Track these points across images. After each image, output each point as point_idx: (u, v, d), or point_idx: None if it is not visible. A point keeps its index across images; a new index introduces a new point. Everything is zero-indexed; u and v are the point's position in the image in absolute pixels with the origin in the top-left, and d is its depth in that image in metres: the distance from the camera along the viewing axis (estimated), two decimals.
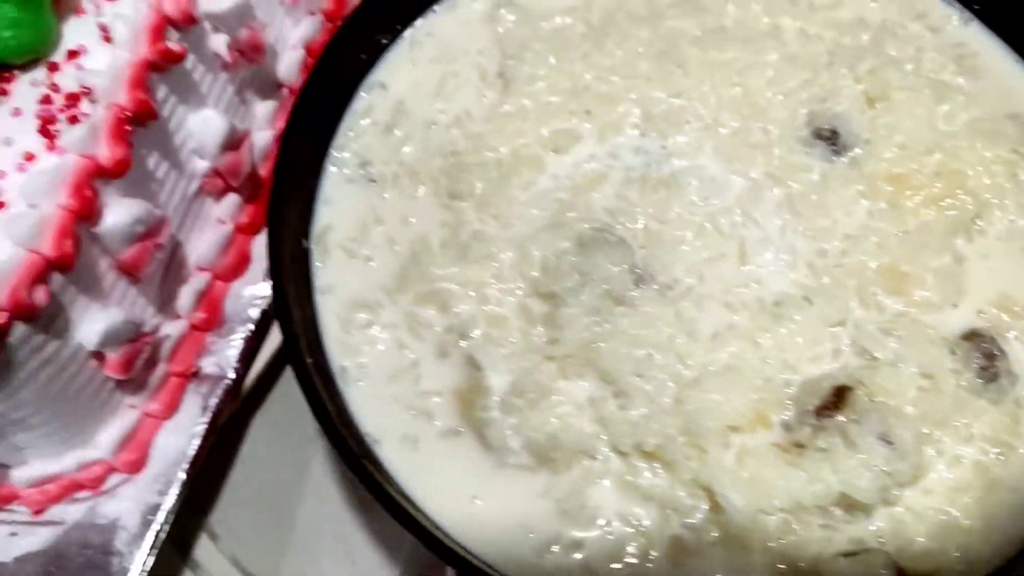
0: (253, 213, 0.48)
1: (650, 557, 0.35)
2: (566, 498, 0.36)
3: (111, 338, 0.38)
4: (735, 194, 0.41)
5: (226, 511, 0.47)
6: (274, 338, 0.47)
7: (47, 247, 0.35)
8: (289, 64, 0.50)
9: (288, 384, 0.49)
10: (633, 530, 0.35)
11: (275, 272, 0.37)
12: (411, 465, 0.37)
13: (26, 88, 0.39)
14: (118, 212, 0.38)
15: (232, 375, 0.45)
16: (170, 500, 0.42)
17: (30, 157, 0.37)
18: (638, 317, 0.37)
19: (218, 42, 0.44)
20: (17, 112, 0.38)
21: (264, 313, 0.47)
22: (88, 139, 0.37)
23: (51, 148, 0.38)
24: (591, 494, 0.36)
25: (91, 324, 0.38)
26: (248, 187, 0.48)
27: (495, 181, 0.40)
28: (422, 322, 0.38)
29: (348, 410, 0.38)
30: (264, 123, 0.49)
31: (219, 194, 0.46)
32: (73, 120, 0.37)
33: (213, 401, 0.44)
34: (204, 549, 0.46)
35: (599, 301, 0.37)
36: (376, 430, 0.37)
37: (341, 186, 0.42)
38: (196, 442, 0.43)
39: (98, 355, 0.39)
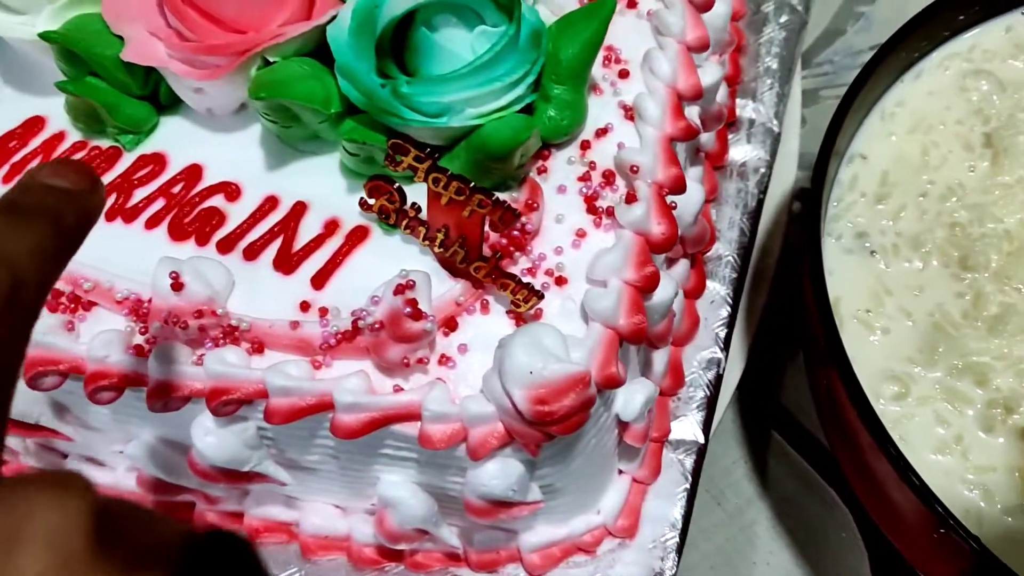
0: (696, 277, 0.49)
1: None
2: None
3: (645, 408, 0.39)
4: None
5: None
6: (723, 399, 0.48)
7: (622, 322, 0.36)
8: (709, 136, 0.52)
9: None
10: None
11: (827, 339, 0.38)
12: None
13: (563, 165, 0.40)
14: (666, 286, 0.39)
15: (703, 439, 0.46)
16: (670, 566, 0.42)
17: (582, 234, 0.39)
18: None
19: (692, 113, 0.45)
20: (561, 189, 0.40)
21: (718, 376, 0.48)
22: (642, 216, 0.38)
23: (598, 225, 0.39)
24: None
25: (633, 395, 0.39)
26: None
27: (1010, 253, 0.40)
28: (960, 396, 0.38)
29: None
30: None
31: (672, 262, 0.48)
32: (630, 199, 0.38)
33: (689, 464, 0.45)
34: None
35: None
36: None
37: (840, 257, 0.42)
38: (681, 507, 0.44)
39: (623, 424, 0.40)
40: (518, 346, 0.34)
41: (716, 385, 0.48)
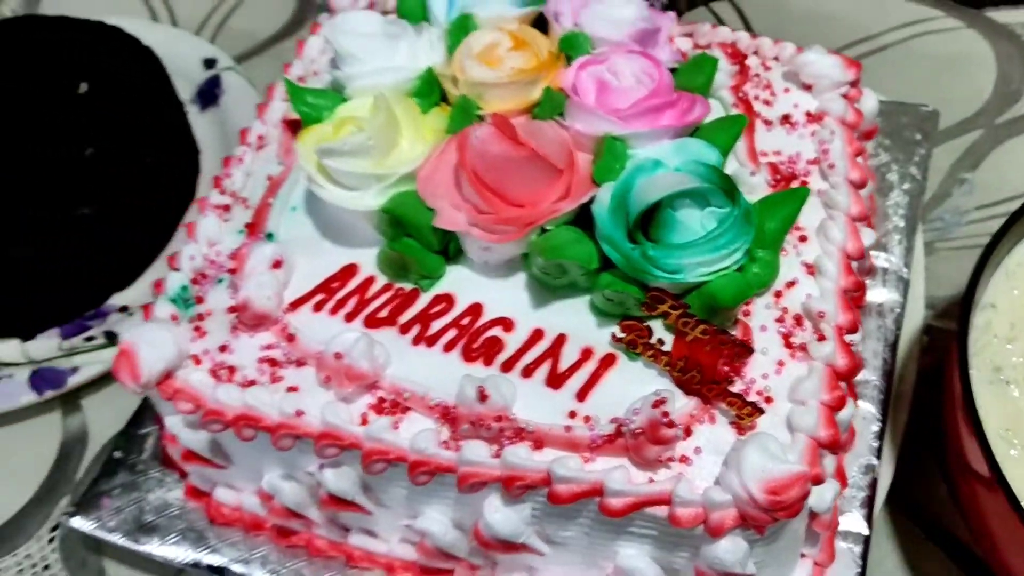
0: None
1: None
2: None
3: (832, 502, 0.50)
4: None
5: None
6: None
7: (822, 433, 0.47)
8: None
9: None
10: None
11: (980, 454, 0.48)
12: None
13: (763, 310, 0.52)
14: (849, 405, 0.50)
15: (867, 531, 0.56)
16: None
17: (781, 363, 0.50)
18: None
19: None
20: (763, 328, 0.52)
21: (874, 480, 0.58)
22: (830, 352, 0.50)
23: (793, 356, 0.51)
24: None
25: (824, 491, 0.49)
26: None
27: None
28: None
29: None
30: None
31: None
32: (821, 338, 0.50)
33: (858, 551, 0.55)
34: None
35: None
36: None
37: (981, 387, 0.53)
38: None
39: (813, 514, 0.51)
40: (753, 450, 0.45)
41: (873, 487, 0.58)
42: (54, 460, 0.69)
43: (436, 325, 0.53)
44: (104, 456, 0.66)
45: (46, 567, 0.64)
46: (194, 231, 0.58)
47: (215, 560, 0.58)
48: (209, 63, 0.89)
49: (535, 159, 0.51)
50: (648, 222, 0.51)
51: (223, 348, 0.53)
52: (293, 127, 0.62)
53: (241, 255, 0.55)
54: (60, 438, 0.70)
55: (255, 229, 0.58)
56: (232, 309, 0.54)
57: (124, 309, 0.75)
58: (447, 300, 0.54)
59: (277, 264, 0.54)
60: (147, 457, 0.62)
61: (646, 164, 0.51)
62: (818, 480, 0.46)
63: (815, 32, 0.89)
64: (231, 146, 0.84)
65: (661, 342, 0.49)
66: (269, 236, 0.57)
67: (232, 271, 0.54)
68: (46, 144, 0.74)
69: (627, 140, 0.53)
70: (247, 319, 0.53)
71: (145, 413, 0.65)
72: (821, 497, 0.49)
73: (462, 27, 0.60)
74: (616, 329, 0.51)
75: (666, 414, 0.46)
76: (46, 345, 0.73)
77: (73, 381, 0.69)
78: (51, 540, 0.65)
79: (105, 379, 0.71)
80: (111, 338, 0.72)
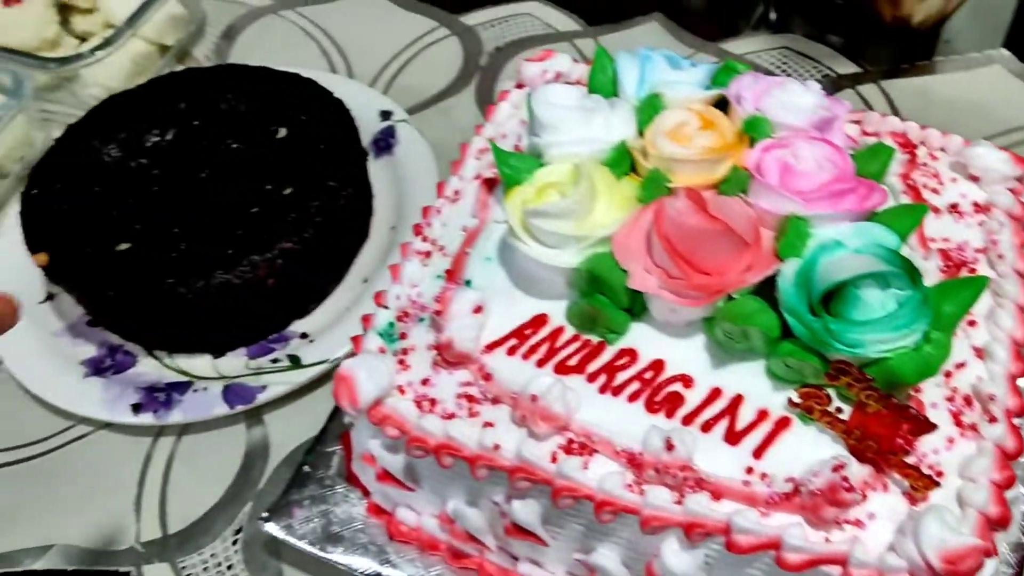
0: None
1: None
2: None
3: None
4: None
5: None
6: None
7: (992, 510, 0.50)
8: None
9: None
10: None
11: None
12: None
13: (933, 388, 0.55)
14: (1017, 485, 0.53)
15: None
16: None
17: (951, 440, 0.54)
18: None
19: None
20: (934, 405, 0.55)
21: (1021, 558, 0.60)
22: (1001, 434, 0.53)
23: (963, 435, 0.54)
24: None
25: (989, 563, 0.52)
26: None
27: None
28: None
29: None
30: None
31: None
32: (992, 420, 0.53)
33: None
34: None
35: None
36: None
37: None
38: None
39: None
40: (931, 520, 0.48)
41: (1020, 564, 0.60)
42: (239, 468, 0.76)
43: (621, 377, 0.58)
44: (290, 468, 0.73)
45: (229, 567, 0.71)
46: (399, 273, 0.65)
47: (394, 573, 0.63)
48: (385, 115, 0.97)
49: (727, 233, 0.56)
50: (829, 297, 0.55)
51: (425, 382, 0.59)
52: (489, 185, 0.68)
53: (445, 299, 0.61)
54: (244, 448, 0.77)
55: (454, 275, 0.64)
56: (434, 347, 0.60)
57: (304, 336, 0.82)
58: (631, 354, 0.59)
59: (478, 309, 0.60)
60: (333, 473, 0.69)
61: (828, 244, 0.55)
62: (989, 554, 0.49)
63: (960, 119, 0.92)
64: (401, 192, 0.92)
65: (839, 410, 0.53)
66: (467, 283, 0.63)
67: (437, 313, 0.60)
68: (252, 181, 0.83)
69: (810, 220, 0.57)
70: (449, 357, 0.59)
71: (329, 433, 0.71)
72: (983, 572, 0.52)
73: (652, 105, 0.66)
74: (793, 394, 0.54)
75: (846, 478, 0.49)
76: (234, 363, 0.81)
77: (261, 398, 0.76)
78: (234, 542, 0.72)
79: (286, 397, 0.78)
80: (295, 361, 0.79)
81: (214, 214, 0.80)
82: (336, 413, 0.72)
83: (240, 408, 0.76)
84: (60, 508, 0.75)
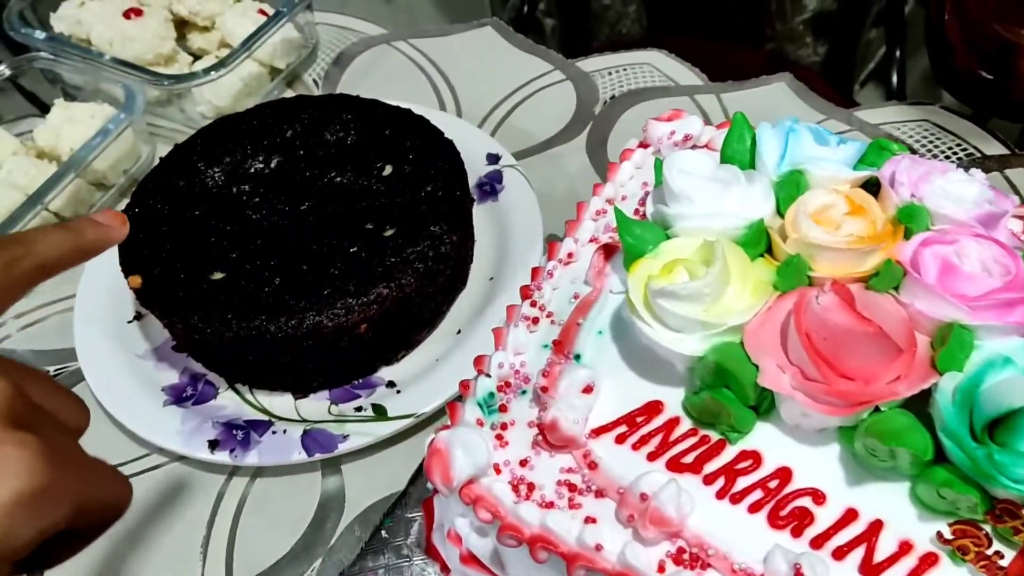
0: None
1: None
2: None
3: None
4: None
5: None
6: None
7: None
8: None
9: None
10: None
11: None
12: None
13: None
14: None
15: None
16: None
17: None
18: None
19: None
20: None
21: None
22: None
23: None
24: None
25: None
26: None
27: None
28: None
29: None
30: None
31: None
32: None
33: None
34: None
35: None
36: None
37: None
38: None
39: None
40: None
41: None
42: (311, 519, 0.72)
43: (742, 482, 0.52)
44: (364, 526, 0.69)
45: None
46: (503, 339, 0.60)
47: None
48: (492, 158, 0.94)
49: (878, 336, 0.50)
50: (994, 423, 0.48)
51: (523, 462, 0.54)
52: (607, 251, 0.64)
53: (553, 374, 0.56)
54: (319, 498, 0.73)
55: (562, 347, 0.59)
56: (537, 425, 0.56)
57: (391, 384, 0.78)
58: (754, 458, 0.53)
59: (588, 389, 0.55)
60: (411, 543, 0.64)
61: (997, 360, 0.49)
62: None
63: None
64: (503, 241, 0.88)
65: (999, 555, 0.46)
66: (577, 357, 0.58)
67: (543, 389, 0.56)
68: (353, 218, 0.80)
69: (975, 330, 0.51)
70: (552, 439, 0.54)
71: (410, 496, 0.67)
72: None
73: (794, 183, 0.60)
74: (944, 528, 0.48)
75: None
76: (316, 406, 0.77)
77: (342, 447, 0.73)
78: None
79: (366, 449, 0.74)
80: (379, 412, 0.75)
81: (312, 250, 0.78)
82: (419, 476, 0.68)
83: (319, 457, 0.73)
84: (127, 541, 0.72)
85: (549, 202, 0.90)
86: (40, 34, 1.04)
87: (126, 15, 1.04)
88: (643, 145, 0.73)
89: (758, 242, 0.58)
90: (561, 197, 0.93)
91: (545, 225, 0.87)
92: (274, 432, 0.74)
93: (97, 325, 0.85)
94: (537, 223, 0.88)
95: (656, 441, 0.54)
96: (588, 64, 1.08)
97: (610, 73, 1.07)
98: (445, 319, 0.83)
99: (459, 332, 0.82)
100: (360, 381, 0.79)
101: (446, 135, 0.88)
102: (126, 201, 0.95)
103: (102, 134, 0.92)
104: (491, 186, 0.92)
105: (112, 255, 0.85)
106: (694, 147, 0.72)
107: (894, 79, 1.61)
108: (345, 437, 0.73)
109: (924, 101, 0.98)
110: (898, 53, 1.63)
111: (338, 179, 0.85)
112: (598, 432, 0.55)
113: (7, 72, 1.01)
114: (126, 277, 0.77)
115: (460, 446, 0.53)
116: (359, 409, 0.76)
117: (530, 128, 1.01)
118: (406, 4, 2.95)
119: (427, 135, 0.88)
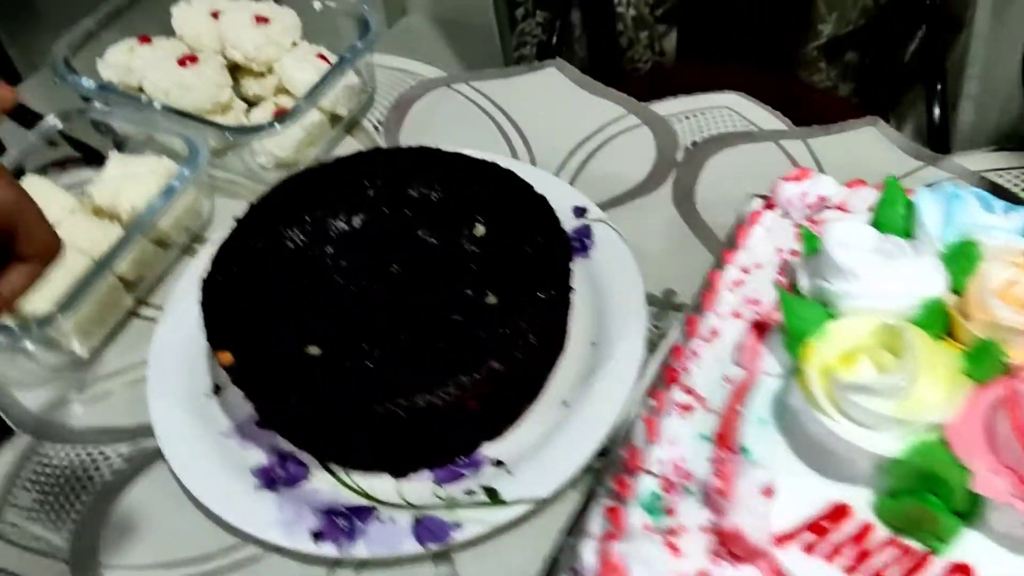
0: None
1: None
2: None
3: None
4: None
5: None
6: None
7: None
8: None
9: None
10: None
11: None
12: None
13: None
14: None
15: None
16: None
17: None
18: None
19: None
20: None
21: None
22: None
23: None
24: None
25: None
26: None
27: None
28: None
29: None
30: None
31: None
32: None
33: None
34: None
35: None
36: None
37: None
38: None
39: None
40: None
41: None
42: None
43: None
44: None
45: None
46: (656, 431, 0.56)
47: None
48: (579, 211, 0.89)
49: None
50: None
51: (702, 575, 0.50)
52: (760, 329, 0.59)
53: (727, 474, 0.52)
54: None
55: (725, 440, 0.55)
56: (712, 531, 0.51)
57: (500, 463, 0.73)
58: (965, 572, 0.48)
59: (768, 492, 0.51)
60: None
61: None
62: None
63: None
64: (601, 301, 0.84)
65: None
66: (743, 451, 0.54)
67: (719, 492, 0.51)
68: (449, 283, 0.75)
69: None
70: (736, 549, 0.50)
71: None
72: None
73: (966, 254, 0.56)
74: None
75: None
76: (419, 488, 0.72)
77: (457, 537, 0.68)
78: None
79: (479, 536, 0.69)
80: (492, 496, 0.70)
81: (409, 319, 0.73)
82: (554, 571, 0.63)
83: (433, 548, 0.67)
84: None
85: (640, 257, 0.85)
86: (88, 82, 0.99)
87: (181, 62, 0.99)
88: (769, 206, 0.69)
89: (937, 323, 0.54)
90: (652, 252, 0.89)
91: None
92: (380, 520, 0.69)
93: (173, 398, 0.79)
94: (637, 282, 0.83)
95: (851, 553, 0.49)
96: (663, 108, 1.04)
97: (687, 117, 1.02)
98: (547, 388, 0.78)
99: (565, 403, 0.77)
100: (464, 459, 0.74)
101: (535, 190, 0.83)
102: (192, 261, 0.90)
103: (167, 192, 0.87)
104: (580, 241, 0.87)
105: (185, 319, 0.80)
106: (825, 207, 0.67)
107: (936, 113, 1.58)
108: (458, 525, 0.68)
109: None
110: (939, 87, 1.61)
111: (427, 239, 0.80)
112: (783, 540, 0.50)
113: (59, 124, 0.96)
114: (214, 352, 0.71)
115: (638, 561, 0.48)
116: (469, 492, 0.71)
117: (609, 176, 0.97)
118: (406, 24, 2.92)
119: (516, 189, 0.83)
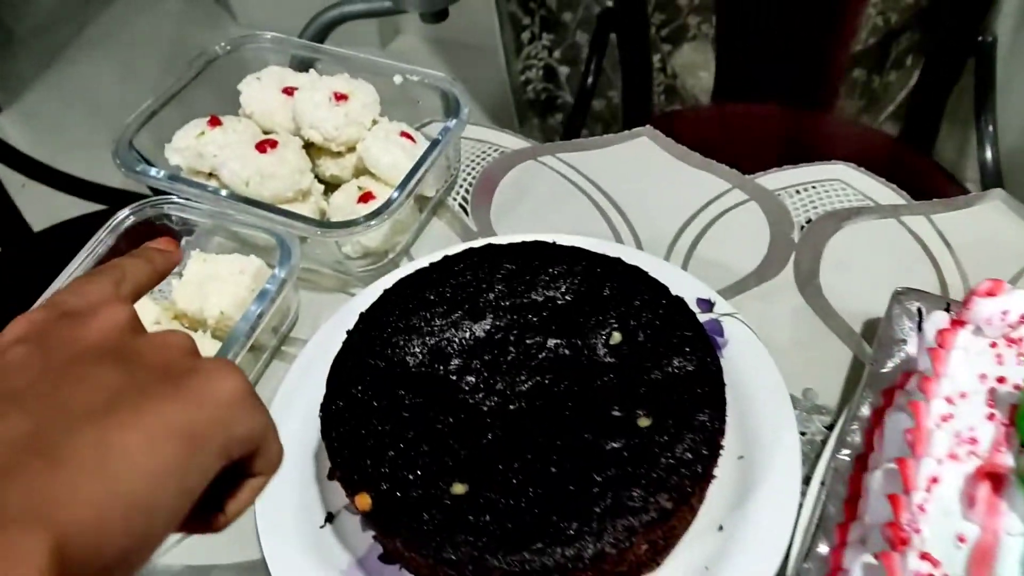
0: None
1: None
2: None
3: None
4: None
5: None
6: None
7: None
8: None
9: None
10: None
11: None
12: None
13: None
14: None
15: None
16: None
17: None
18: None
19: None
20: None
21: None
22: None
23: None
24: None
25: None
26: None
27: None
28: None
29: None
30: None
31: None
32: None
33: None
34: None
35: None
36: None
37: None
38: None
39: None
40: None
41: None
42: None
43: None
44: None
45: None
46: None
47: None
48: (705, 304, 0.83)
49: None
50: None
51: None
52: (995, 481, 0.53)
53: None
54: None
55: None
56: None
57: None
58: None
59: None
60: None
61: None
62: None
63: None
64: (743, 409, 0.77)
65: None
66: None
67: None
68: (591, 401, 0.69)
69: None
70: None
71: None
72: None
73: None
74: None
75: None
76: None
77: None
78: None
79: None
80: None
81: (559, 447, 0.66)
82: None
83: None
84: None
85: (773, 353, 0.79)
86: (157, 172, 0.92)
87: (261, 147, 0.92)
88: (957, 323, 0.63)
89: None
90: (782, 346, 0.83)
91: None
92: None
93: (284, 532, 0.72)
94: (779, 385, 0.77)
95: None
96: (769, 181, 0.98)
97: (797, 192, 0.97)
98: (700, 511, 0.72)
99: (721, 529, 0.70)
100: None
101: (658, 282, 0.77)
102: (285, 367, 0.83)
103: (260, 297, 0.80)
104: (712, 340, 0.81)
105: (289, 442, 0.73)
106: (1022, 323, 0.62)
107: (988, 155, 1.55)
108: None
109: None
110: (991, 128, 1.57)
111: (562, 351, 0.73)
112: None
113: (131, 219, 0.89)
114: (350, 496, 0.65)
115: None
116: None
117: (723, 260, 0.91)
118: (400, 44, 2.86)
119: (646, 287, 0.77)
